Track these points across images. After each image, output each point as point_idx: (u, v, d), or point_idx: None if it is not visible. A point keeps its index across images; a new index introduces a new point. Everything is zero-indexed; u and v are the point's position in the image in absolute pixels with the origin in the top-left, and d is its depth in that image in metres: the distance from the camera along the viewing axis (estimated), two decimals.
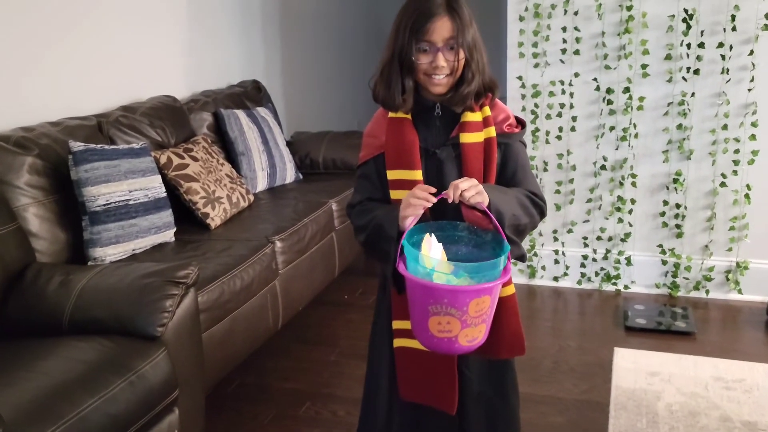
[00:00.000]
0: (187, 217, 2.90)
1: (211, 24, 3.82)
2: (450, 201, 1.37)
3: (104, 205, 2.48)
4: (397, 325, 1.60)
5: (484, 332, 1.38)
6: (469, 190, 1.37)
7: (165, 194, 2.74)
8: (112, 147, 2.61)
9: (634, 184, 3.17)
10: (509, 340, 1.59)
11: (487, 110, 1.51)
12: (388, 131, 1.52)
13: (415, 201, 1.40)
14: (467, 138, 1.48)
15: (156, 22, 3.40)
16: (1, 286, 2.02)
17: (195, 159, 3.01)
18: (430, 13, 1.40)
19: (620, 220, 3.23)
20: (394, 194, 1.51)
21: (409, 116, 1.51)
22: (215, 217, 2.92)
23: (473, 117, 1.49)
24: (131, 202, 2.56)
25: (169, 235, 2.74)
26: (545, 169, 3.30)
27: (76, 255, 2.50)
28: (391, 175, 1.51)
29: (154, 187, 2.68)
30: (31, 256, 2.27)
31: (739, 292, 3.13)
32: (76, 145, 2.48)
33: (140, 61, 3.30)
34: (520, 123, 1.57)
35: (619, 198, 3.21)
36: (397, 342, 1.60)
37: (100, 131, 2.79)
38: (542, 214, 1.58)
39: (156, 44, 3.41)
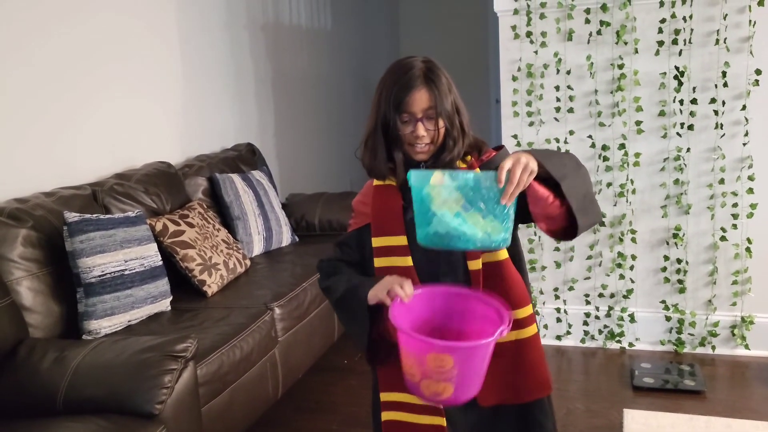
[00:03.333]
0: (184, 285, 2.85)
1: (205, 88, 3.84)
2: (505, 202, 1.24)
3: (99, 276, 2.43)
4: (384, 397, 1.55)
5: (454, 391, 1.28)
6: (516, 171, 1.22)
7: (161, 262, 2.69)
8: (108, 216, 2.57)
9: (634, 240, 3.15)
10: (532, 381, 1.52)
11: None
12: (374, 199, 1.53)
13: (385, 292, 1.35)
14: None
15: (149, 88, 3.41)
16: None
17: (191, 225, 2.98)
18: (408, 85, 1.42)
19: (621, 277, 3.20)
20: (378, 262, 1.50)
21: (394, 182, 1.51)
22: (212, 284, 2.87)
23: None
24: (127, 272, 2.52)
25: (165, 305, 2.68)
26: None
27: (71, 328, 2.43)
28: (376, 242, 1.50)
29: (149, 255, 2.64)
30: (24, 331, 2.21)
31: (746, 347, 3.08)
32: (71, 216, 2.44)
33: (134, 128, 3.29)
34: (499, 149, 1.57)
35: (620, 254, 3.18)
36: (386, 415, 1.55)
37: (95, 200, 2.75)
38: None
39: (149, 110, 3.42)
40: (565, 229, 1.38)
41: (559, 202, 1.32)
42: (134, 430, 1.79)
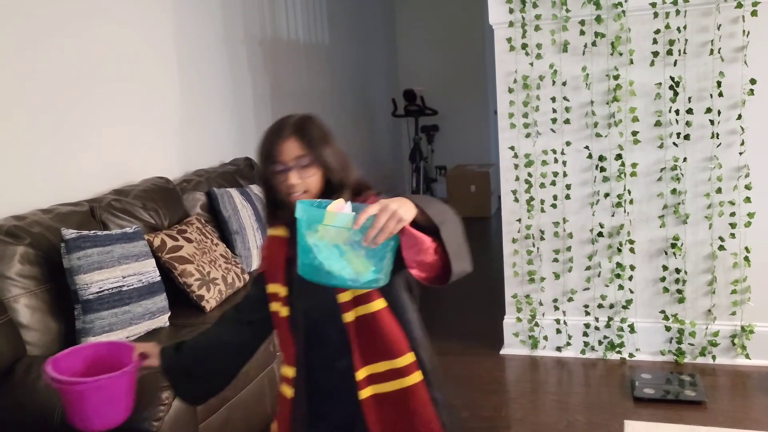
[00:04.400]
0: (182, 300, 2.84)
1: (203, 103, 3.86)
2: (367, 244, 1.25)
3: (97, 292, 2.43)
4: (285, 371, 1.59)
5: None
6: (380, 219, 1.22)
7: (159, 278, 2.69)
8: (105, 232, 2.57)
9: (632, 250, 3.15)
10: (420, 428, 1.50)
11: None
12: (265, 248, 1.61)
13: None
14: None
15: (147, 104, 3.42)
16: None
17: (189, 240, 2.98)
18: (279, 136, 1.48)
19: (621, 287, 3.20)
20: (271, 306, 1.57)
21: (283, 232, 1.56)
22: (210, 299, 2.87)
23: None
24: (125, 288, 2.51)
25: (163, 320, 2.68)
26: (542, 238, 3.28)
27: (69, 345, 2.41)
28: (268, 288, 1.58)
29: (147, 271, 2.64)
30: (21, 349, 2.21)
31: (747, 356, 3.07)
32: (69, 233, 2.45)
33: (132, 144, 3.30)
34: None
35: (618, 264, 3.18)
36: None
37: (92, 216, 2.76)
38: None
39: (147, 126, 3.43)
40: (437, 277, 1.36)
41: (434, 250, 1.30)
42: None
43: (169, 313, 2.71)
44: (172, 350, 1.67)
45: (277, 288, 1.55)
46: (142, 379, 1.91)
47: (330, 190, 1.50)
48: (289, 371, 1.54)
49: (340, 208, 1.30)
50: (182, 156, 3.68)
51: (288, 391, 1.55)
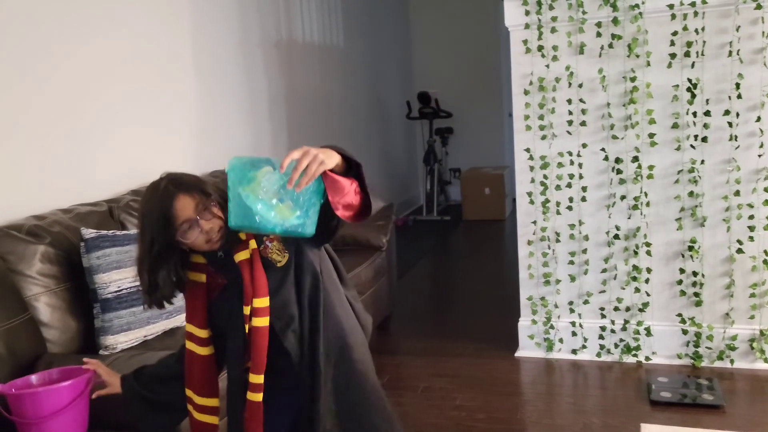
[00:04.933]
0: None
1: (219, 106, 3.89)
2: (292, 187, 1.35)
3: (116, 291, 2.45)
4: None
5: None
6: (303, 161, 1.34)
7: None
8: (124, 232, 2.59)
9: (648, 253, 3.14)
10: None
11: None
12: (187, 292, 1.65)
13: None
14: (239, 256, 1.57)
15: (164, 106, 3.45)
16: (12, 379, 1.96)
17: None
18: (167, 205, 1.48)
19: (637, 290, 3.18)
20: (189, 345, 1.66)
21: (201, 278, 1.62)
22: None
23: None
24: None
25: (180, 320, 2.69)
26: (557, 240, 3.28)
27: (88, 343, 2.45)
28: (187, 327, 1.66)
29: None
30: (42, 347, 2.23)
31: (766, 361, 3.05)
32: (88, 232, 2.47)
33: (149, 145, 3.33)
34: None
35: (635, 267, 3.17)
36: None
37: (111, 216, 2.78)
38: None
39: (164, 127, 3.46)
40: (357, 215, 1.48)
41: (355, 191, 1.43)
42: None
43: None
44: (132, 377, 1.77)
45: (196, 330, 1.64)
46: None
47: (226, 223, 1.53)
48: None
49: (262, 175, 1.38)
50: (198, 157, 3.70)
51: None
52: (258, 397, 1.57)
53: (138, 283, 1.62)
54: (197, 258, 1.61)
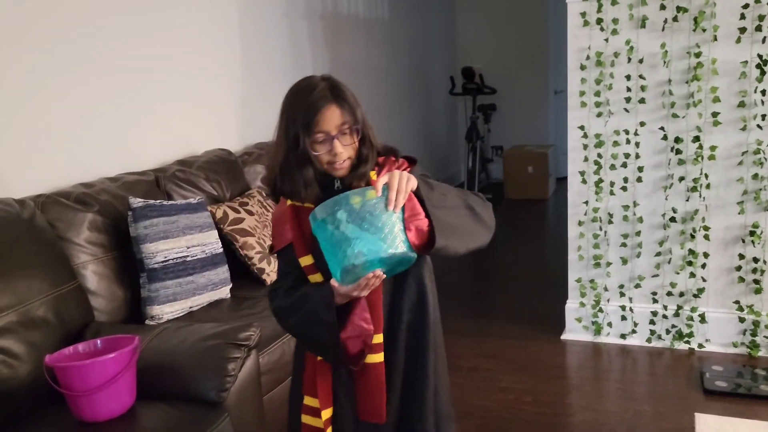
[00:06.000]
0: (242, 273, 2.84)
1: (264, 77, 3.83)
2: (397, 210, 1.33)
3: (162, 261, 2.43)
4: (307, 401, 1.54)
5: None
6: (393, 181, 1.32)
7: (221, 250, 2.68)
8: (171, 203, 2.57)
9: (706, 237, 3.01)
10: (365, 405, 1.51)
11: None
12: (291, 221, 1.50)
13: (367, 286, 1.35)
14: None
15: (210, 77, 3.41)
16: (61, 347, 1.95)
17: (250, 213, 2.96)
18: (317, 105, 1.40)
19: (692, 275, 3.07)
20: (312, 278, 1.49)
21: (312, 205, 1.48)
22: (271, 272, 2.85)
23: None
24: (189, 259, 2.51)
25: (225, 292, 2.67)
26: (610, 221, 3.17)
27: (133, 313, 2.45)
28: (303, 261, 1.49)
29: (211, 242, 2.63)
30: (90, 315, 2.23)
31: None
32: (136, 202, 2.45)
33: (195, 115, 3.30)
34: (412, 162, 1.55)
35: (691, 251, 3.05)
36: (305, 419, 1.54)
37: (157, 186, 2.76)
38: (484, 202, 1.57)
39: (210, 98, 3.42)
40: (424, 247, 1.42)
41: (427, 222, 1.39)
42: (199, 418, 1.78)
43: (230, 285, 2.70)
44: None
45: (308, 260, 1.48)
46: (209, 348, 1.91)
47: (362, 157, 1.46)
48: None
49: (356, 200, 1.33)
50: (243, 129, 3.67)
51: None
52: (378, 358, 1.48)
53: (283, 188, 1.48)
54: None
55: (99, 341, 1.87)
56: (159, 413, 1.77)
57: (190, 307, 2.52)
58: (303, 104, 1.40)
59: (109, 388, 1.71)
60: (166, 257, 2.44)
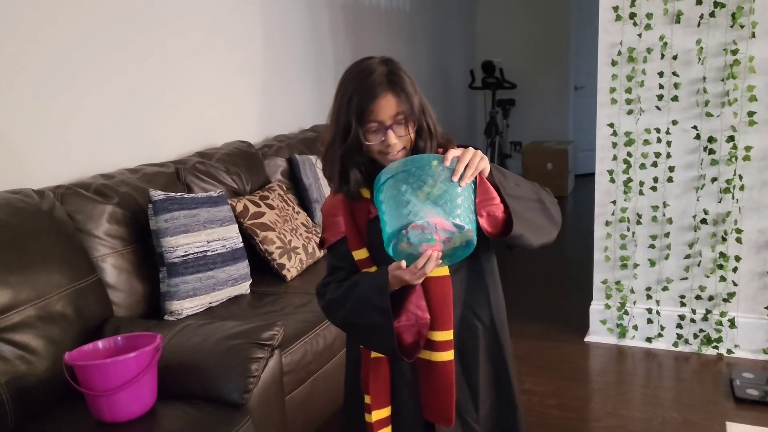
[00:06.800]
0: (262, 268, 2.78)
1: (285, 68, 3.77)
2: (463, 183, 1.24)
3: (183, 256, 2.38)
4: (367, 399, 1.45)
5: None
6: (465, 155, 1.26)
7: (242, 244, 2.63)
8: (191, 195, 2.52)
9: (738, 240, 2.93)
10: (432, 406, 1.43)
11: None
12: (344, 213, 1.43)
13: (423, 270, 1.26)
14: None
15: (230, 67, 3.35)
16: (80, 342, 1.91)
17: (271, 207, 2.91)
18: (372, 93, 1.31)
19: (722, 279, 2.98)
20: (367, 271, 1.42)
21: (366, 194, 1.40)
22: (291, 268, 2.80)
23: None
24: (209, 253, 2.46)
25: (245, 287, 2.62)
26: (638, 222, 3.09)
27: (153, 307, 2.40)
28: (357, 255, 1.42)
29: (231, 237, 2.58)
30: (109, 310, 2.18)
31: None
32: (157, 194, 2.40)
33: (215, 107, 3.24)
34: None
35: (722, 254, 2.96)
36: (369, 417, 1.45)
37: (177, 178, 2.71)
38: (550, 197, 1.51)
39: (231, 89, 3.36)
40: (499, 235, 1.36)
41: (502, 210, 1.33)
42: (221, 419, 1.73)
43: (250, 281, 2.65)
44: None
45: (362, 253, 1.41)
46: (231, 348, 1.86)
47: (416, 148, 1.38)
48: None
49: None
50: (263, 121, 3.60)
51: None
52: (447, 356, 1.40)
53: (325, 172, 1.42)
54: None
55: (120, 338, 1.82)
56: (180, 414, 1.72)
57: (210, 303, 2.47)
58: (357, 90, 1.32)
59: (130, 388, 1.65)
60: (186, 251, 2.39)
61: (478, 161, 1.26)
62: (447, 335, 1.40)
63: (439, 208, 1.20)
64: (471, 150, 1.27)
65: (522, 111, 6.99)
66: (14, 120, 2.26)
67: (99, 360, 1.69)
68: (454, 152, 1.26)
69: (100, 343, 1.80)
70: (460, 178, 1.23)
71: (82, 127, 2.52)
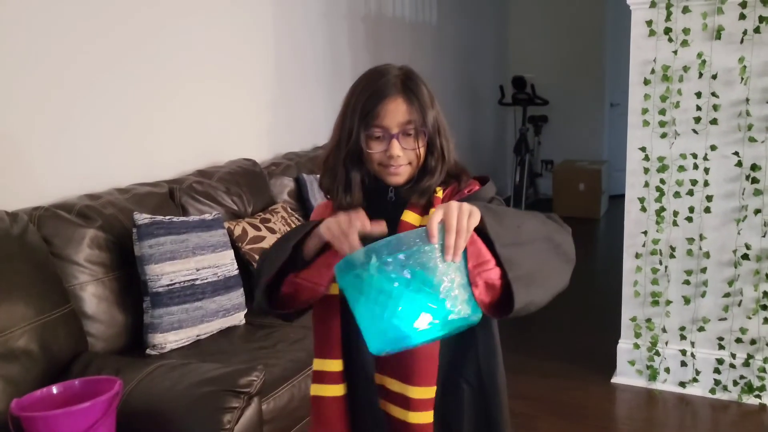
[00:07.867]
0: None
1: (298, 81, 3.60)
2: (457, 258, 1.02)
3: (168, 285, 2.20)
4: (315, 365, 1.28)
5: None
6: (451, 217, 1.02)
7: (237, 272, 2.45)
8: (181, 219, 2.35)
9: None
10: None
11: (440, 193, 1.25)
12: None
13: (341, 237, 1.10)
14: (408, 216, 1.22)
15: (238, 78, 3.20)
16: (43, 382, 1.74)
17: (272, 231, 2.72)
18: (382, 93, 1.17)
19: (766, 320, 2.70)
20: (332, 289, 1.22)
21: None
22: None
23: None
24: (198, 282, 2.28)
25: (239, 318, 2.44)
26: (672, 255, 2.82)
27: (134, 340, 2.23)
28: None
29: (224, 264, 2.40)
30: (82, 344, 2.01)
31: None
32: (141, 218, 2.23)
33: (219, 121, 3.08)
34: (483, 181, 1.27)
35: (765, 294, 2.68)
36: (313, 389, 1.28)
37: (171, 199, 2.55)
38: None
39: (237, 102, 3.20)
40: (499, 306, 1.11)
41: (499, 275, 1.07)
42: None
43: (245, 311, 2.46)
44: None
45: None
46: (202, 396, 1.67)
47: (425, 167, 1.21)
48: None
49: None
50: (273, 137, 3.44)
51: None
52: (425, 417, 1.22)
53: (322, 183, 1.27)
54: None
55: (77, 382, 1.65)
56: None
57: (198, 336, 2.29)
58: (366, 91, 1.19)
59: None
60: (172, 280, 2.21)
61: (466, 221, 1.02)
62: (427, 392, 1.20)
63: (437, 304, 1.00)
64: (453, 207, 1.03)
65: (554, 128, 6.73)
66: (1, 137, 2.12)
67: (49, 410, 1.51)
68: (436, 218, 1.02)
69: (54, 388, 1.63)
70: (454, 254, 1.01)
71: (79, 142, 2.37)
